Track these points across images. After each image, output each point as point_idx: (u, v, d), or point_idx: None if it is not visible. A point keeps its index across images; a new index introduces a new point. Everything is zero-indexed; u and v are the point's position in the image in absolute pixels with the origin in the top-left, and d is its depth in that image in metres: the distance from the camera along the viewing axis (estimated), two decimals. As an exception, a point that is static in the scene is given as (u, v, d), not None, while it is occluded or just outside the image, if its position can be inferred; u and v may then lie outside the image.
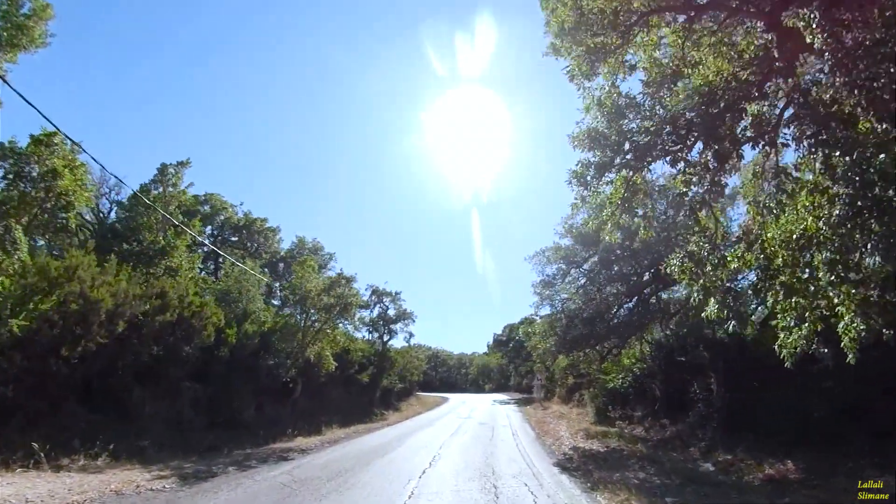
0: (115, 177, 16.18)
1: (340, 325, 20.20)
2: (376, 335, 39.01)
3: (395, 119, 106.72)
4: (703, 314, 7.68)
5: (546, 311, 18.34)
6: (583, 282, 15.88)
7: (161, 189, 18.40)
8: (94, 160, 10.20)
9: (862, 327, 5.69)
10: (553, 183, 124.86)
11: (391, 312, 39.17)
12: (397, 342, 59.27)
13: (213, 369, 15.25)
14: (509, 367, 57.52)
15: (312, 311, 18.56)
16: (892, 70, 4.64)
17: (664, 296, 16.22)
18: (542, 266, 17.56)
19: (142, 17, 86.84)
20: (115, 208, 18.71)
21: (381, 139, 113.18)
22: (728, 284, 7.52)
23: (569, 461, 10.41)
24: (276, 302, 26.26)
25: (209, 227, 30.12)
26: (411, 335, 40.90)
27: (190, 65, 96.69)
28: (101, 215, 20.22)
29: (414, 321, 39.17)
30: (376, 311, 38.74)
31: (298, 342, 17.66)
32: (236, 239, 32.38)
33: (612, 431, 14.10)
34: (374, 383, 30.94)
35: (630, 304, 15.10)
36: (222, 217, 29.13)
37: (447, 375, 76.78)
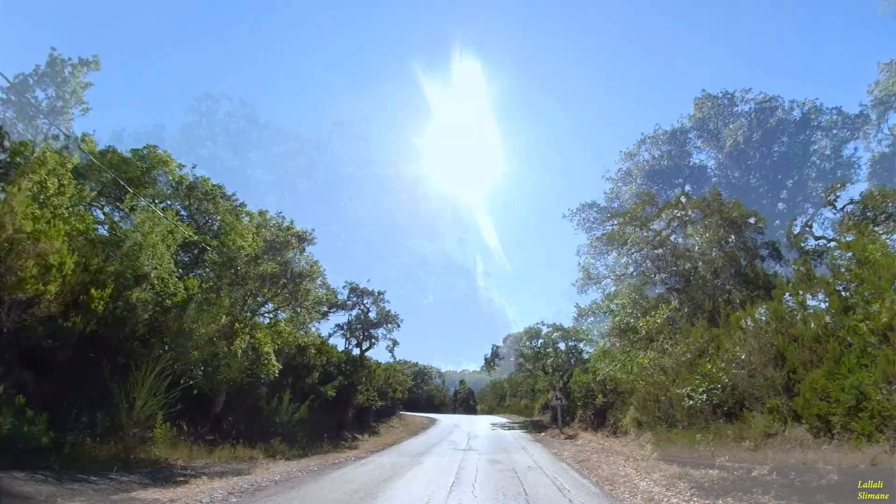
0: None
1: (292, 311, 14.02)
2: (354, 341, 32.95)
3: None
4: None
5: (591, 292, 12.58)
6: (664, 236, 10.29)
7: (52, 91, 12.44)
8: None
9: None
10: (544, 170, 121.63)
11: (372, 315, 33.23)
12: (381, 354, 52.72)
13: (57, 350, 9.06)
14: (504, 385, 51.35)
15: (247, 281, 12.52)
16: None
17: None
18: (590, 225, 11.96)
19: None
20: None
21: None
22: None
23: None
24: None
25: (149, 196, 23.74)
26: (395, 343, 34.80)
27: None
28: None
29: (399, 326, 33.22)
30: (355, 313, 33.00)
31: (220, 328, 11.53)
32: (186, 214, 26.03)
33: (737, 480, 8.22)
34: (346, 399, 24.43)
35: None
36: (162, 173, 22.58)
37: (434, 393, 70.01)
